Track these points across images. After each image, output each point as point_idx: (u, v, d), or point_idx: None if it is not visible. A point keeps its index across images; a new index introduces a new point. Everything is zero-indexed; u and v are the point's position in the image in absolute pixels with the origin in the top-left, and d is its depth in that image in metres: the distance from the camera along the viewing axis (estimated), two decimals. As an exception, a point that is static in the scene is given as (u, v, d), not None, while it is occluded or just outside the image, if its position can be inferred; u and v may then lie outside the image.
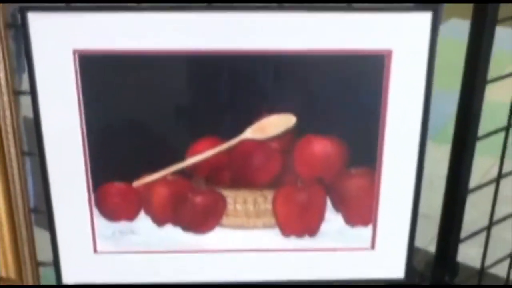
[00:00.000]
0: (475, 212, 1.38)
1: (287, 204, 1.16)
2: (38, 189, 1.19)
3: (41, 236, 1.24)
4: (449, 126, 1.27)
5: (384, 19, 1.05)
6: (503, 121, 1.34)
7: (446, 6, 1.12)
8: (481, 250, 1.44)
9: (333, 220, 1.17)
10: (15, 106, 1.11)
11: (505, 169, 1.37)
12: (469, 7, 1.20)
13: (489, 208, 1.40)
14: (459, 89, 1.23)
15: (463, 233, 1.34)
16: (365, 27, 1.05)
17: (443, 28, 1.10)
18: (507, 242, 1.54)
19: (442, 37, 1.09)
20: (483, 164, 1.65)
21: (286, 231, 1.17)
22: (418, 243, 1.23)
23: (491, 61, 1.21)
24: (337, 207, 1.16)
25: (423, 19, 1.05)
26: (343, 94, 1.09)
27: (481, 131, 1.25)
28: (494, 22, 1.17)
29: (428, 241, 1.41)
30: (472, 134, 1.22)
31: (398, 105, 1.09)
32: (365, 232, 1.18)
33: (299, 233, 1.18)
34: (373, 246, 1.19)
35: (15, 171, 1.14)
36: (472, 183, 1.29)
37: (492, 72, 1.23)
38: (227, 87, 1.09)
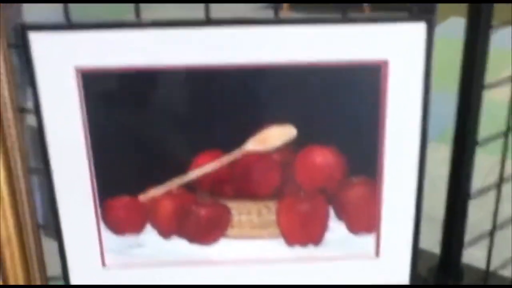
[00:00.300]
0: (481, 212, 1.39)
1: (291, 215, 1.17)
2: (46, 205, 1.21)
3: (52, 247, 1.26)
4: (451, 126, 1.28)
5: (379, 30, 1.06)
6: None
7: (444, 4, 1.13)
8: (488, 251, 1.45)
9: (336, 228, 1.18)
10: (20, 123, 1.13)
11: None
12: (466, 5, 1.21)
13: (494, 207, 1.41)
14: (455, 91, 1.25)
15: (469, 234, 1.35)
16: (360, 38, 1.06)
17: (442, 28, 1.11)
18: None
19: (442, 37, 1.10)
20: (488, 162, 1.65)
21: (291, 241, 1.19)
22: (423, 245, 1.24)
23: (490, 61, 1.22)
24: (340, 216, 1.17)
25: (417, 29, 1.06)
26: (342, 104, 1.11)
27: (484, 130, 1.26)
28: (489, 22, 1.18)
29: (433, 243, 1.41)
30: (471, 139, 1.23)
31: (397, 113, 1.11)
32: (368, 239, 1.19)
33: (303, 243, 1.19)
34: (377, 253, 1.20)
35: (22, 188, 1.16)
36: (477, 182, 1.30)
37: (491, 72, 1.24)
38: (228, 101, 1.11)
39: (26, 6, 1.50)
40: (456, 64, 1.25)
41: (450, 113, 1.28)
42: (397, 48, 1.07)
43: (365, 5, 3.83)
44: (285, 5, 3.80)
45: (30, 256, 1.23)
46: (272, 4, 1.04)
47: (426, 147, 1.13)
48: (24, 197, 1.16)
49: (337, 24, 1.06)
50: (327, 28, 1.06)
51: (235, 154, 1.12)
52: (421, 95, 1.10)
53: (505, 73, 1.34)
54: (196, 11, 1.10)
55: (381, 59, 1.07)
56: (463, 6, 1.22)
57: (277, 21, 1.07)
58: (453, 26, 2.25)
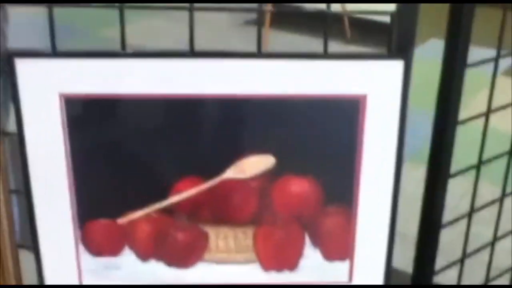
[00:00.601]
0: (453, 232, 1.42)
1: (267, 241, 1.19)
2: (25, 225, 1.22)
3: (29, 264, 1.26)
4: (427, 146, 1.31)
5: (359, 66, 1.09)
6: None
7: (425, 26, 1.15)
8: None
9: (311, 255, 1.21)
10: (2, 146, 1.15)
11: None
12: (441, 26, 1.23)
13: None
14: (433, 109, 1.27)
15: (442, 256, 1.37)
16: (341, 73, 1.09)
17: (422, 49, 1.14)
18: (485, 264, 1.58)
19: (422, 58, 1.13)
20: (461, 186, 1.68)
21: (266, 266, 1.21)
22: (397, 263, 1.26)
23: (467, 83, 1.25)
24: (315, 243, 1.20)
25: (396, 65, 1.09)
26: (321, 136, 1.14)
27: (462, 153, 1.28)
28: (467, 44, 1.20)
29: (407, 262, 1.44)
30: (444, 171, 1.26)
31: (373, 145, 1.14)
32: (342, 266, 1.22)
33: (279, 268, 1.21)
34: (350, 279, 1.23)
35: (2, 209, 1.17)
36: (451, 204, 1.33)
37: (468, 94, 1.26)
38: (209, 129, 1.14)
39: (11, 32, 1.51)
40: (433, 84, 1.27)
41: (427, 132, 1.30)
42: (375, 84, 1.10)
43: (346, 27, 3.85)
44: (267, 22, 3.82)
45: (8, 276, 1.24)
46: (255, 20, 1.06)
47: (400, 178, 1.16)
48: (3, 218, 1.17)
49: (319, 60, 1.09)
50: (308, 63, 1.09)
51: (215, 181, 1.14)
52: (397, 128, 1.13)
53: (481, 95, 1.36)
54: (181, 23, 1.11)
55: (359, 94, 1.10)
56: (443, 28, 1.24)
57: (259, 55, 1.09)
58: (433, 48, 2.28)
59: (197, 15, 1.10)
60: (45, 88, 1.09)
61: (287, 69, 1.09)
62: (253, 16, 4.14)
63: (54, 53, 1.09)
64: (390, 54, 1.10)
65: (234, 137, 1.14)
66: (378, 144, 1.13)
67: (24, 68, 1.08)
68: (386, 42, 1.14)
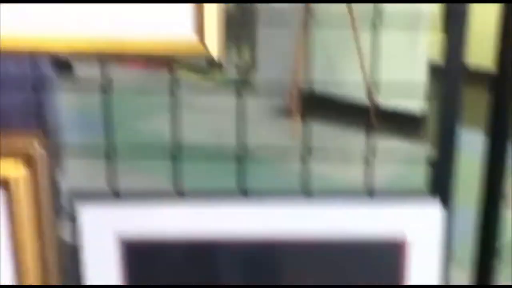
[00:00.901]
0: None
1: None
2: None
3: None
4: (466, 246, 1.33)
5: (399, 211, 1.16)
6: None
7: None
8: None
9: None
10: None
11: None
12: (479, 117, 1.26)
13: None
14: (473, 206, 1.29)
15: None
16: (381, 218, 1.16)
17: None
18: None
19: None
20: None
21: None
22: None
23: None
24: None
25: (435, 209, 1.15)
26: (362, 278, 1.19)
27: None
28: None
29: None
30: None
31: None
32: None
33: None
34: None
35: None
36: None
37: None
38: (252, 271, 1.20)
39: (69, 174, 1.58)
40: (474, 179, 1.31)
41: (466, 232, 1.33)
42: (416, 228, 1.16)
43: (374, 120, 3.88)
44: (294, 114, 3.87)
45: None
46: (283, 115, 1.13)
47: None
48: None
49: (359, 205, 1.16)
50: (348, 208, 1.16)
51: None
52: (439, 270, 1.18)
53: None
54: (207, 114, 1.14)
55: (400, 238, 1.16)
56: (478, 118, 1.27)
57: (301, 202, 1.16)
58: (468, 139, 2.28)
59: (222, 104, 1.15)
60: (104, 233, 1.16)
61: (326, 214, 1.16)
62: (279, 105, 4.18)
63: (116, 199, 1.17)
64: (430, 199, 1.16)
65: (278, 278, 1.20)
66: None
67: (86, 214, 1.15)
68: (414, 132, 1.16)
